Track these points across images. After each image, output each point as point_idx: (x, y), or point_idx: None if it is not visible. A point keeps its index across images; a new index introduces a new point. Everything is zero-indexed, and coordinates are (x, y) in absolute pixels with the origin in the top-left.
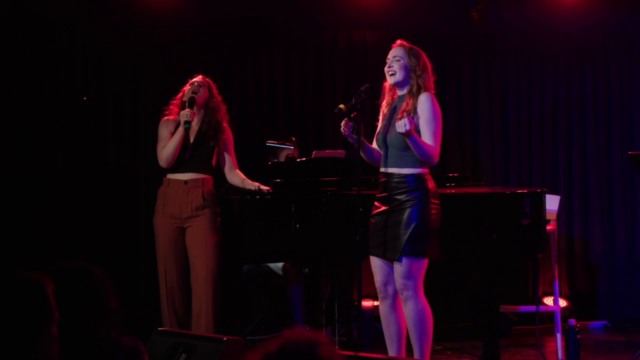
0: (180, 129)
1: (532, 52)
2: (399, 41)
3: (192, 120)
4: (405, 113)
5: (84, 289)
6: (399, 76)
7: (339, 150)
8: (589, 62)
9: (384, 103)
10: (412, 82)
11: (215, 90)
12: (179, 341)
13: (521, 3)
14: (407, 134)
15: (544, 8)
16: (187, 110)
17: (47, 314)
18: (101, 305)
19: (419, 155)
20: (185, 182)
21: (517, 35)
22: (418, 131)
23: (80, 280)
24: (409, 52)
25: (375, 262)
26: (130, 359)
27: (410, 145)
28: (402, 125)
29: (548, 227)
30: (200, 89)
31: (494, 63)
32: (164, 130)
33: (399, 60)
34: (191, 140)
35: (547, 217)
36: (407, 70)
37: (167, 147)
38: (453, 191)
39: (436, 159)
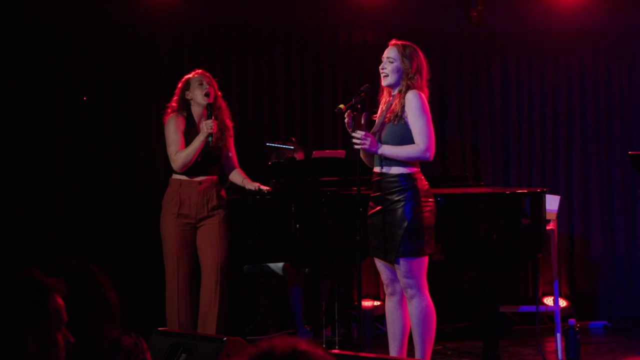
0: (201, 138)
1: (532, 52)
2: (393, 41)
3: (215, 130)
4: (359, 132)
5: (82, 286)
6: (390, 79)
7: (339, 150)
8: (589, 62)
9: (382, 101)
10: (403, 83)
11: (215, 85)
12: (179, 341)
13: (521, 3)
14: (369, 150)
15: (543, 8)
16: (210, 121)
17: (33, 316)
18: (101, 300)
19: (403, 160)
20: (200, 182)
21: (517, 35)
22: (408, 131)
23: (79, 278)
24: (402, 54)
25: (379, 262)
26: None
27: (389, 157)
28: (363, 145)
29: (548, 227)
30: (209, 88)
31: (494, 63)
32: (173, 133)
33: (392, 62)
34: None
35: (547, 217)
36: (400, 72)
37: (186, 155)
38: (453, 191)
39: (427, 153)
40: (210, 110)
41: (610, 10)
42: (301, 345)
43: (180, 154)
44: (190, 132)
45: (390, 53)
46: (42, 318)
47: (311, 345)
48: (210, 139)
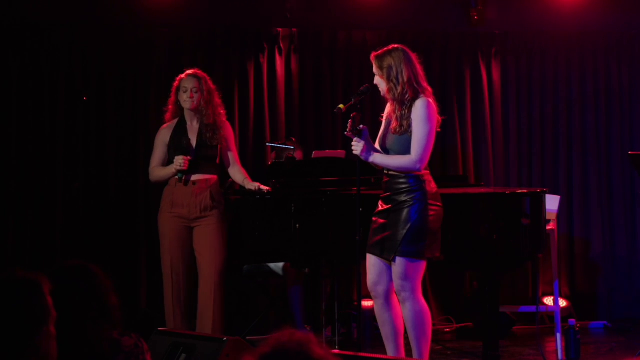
0: (171, 170)
1: (532, 52)
2: (372, 54)
3: (186, 168)
4: (354, 136)
5: (82, 287)
6: (382, 91)
7: (339, 150)
8: (589, 62)
9: (389, 104)
10: (393, 91)
11: (209, 84)
12: (179, 341)
13: (521, 3)
14: (360, 156)
15: (543, 8)
16: (181, 158)
17: (45, 313)
18: (100, 302)
19: (394, 170)
20: (193, 182)
21: (517, 35)
22: (408, 139)
23: (79, 279)
24: (379, 65)
25: (371, 261)
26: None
27: (379, 166)
28: (354, 150)
29: (548, 227)
30: (194, 97)
31: (495, 63)
32: (157, 141)
33: (376, 75)
34: (193, 144)
35: (547, 217)
36: (384, 82)
37: (156, 177)
38: (453, 191)
39: (419, 165)
40: (186, 147)
41: (610, 10)
42: (312, 352)
43: (154, 171)
44: (178, 136)
45: (374, 67)
46: (48, 317)
47: (322, 347)
48: (179, 175)
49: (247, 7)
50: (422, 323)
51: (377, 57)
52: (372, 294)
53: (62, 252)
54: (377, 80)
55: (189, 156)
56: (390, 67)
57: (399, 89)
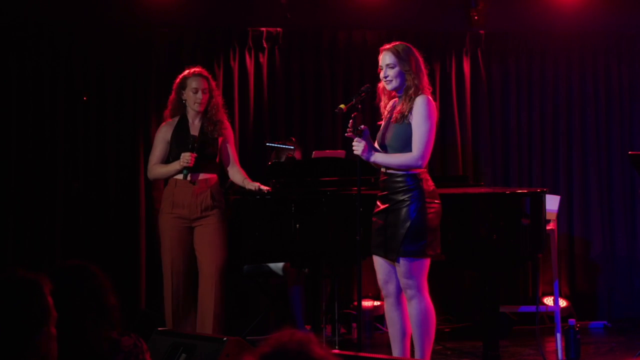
0: (176, 167)
1: (532, 52)
2: (385, 46)
3: (192, 165)
4: (355, 136)
5: (82, 288)
6: (395, 83)
7: (339, 150)
8: (589, 62)
9: (383, 104)
10: (408, 84)
11: (213, 85)
12: (179, 341)
13: (521, 3)
14: (360, 156)
15: (543, 8)
16: (187, 154)
17: (45, 314)
18: (99, 303)
19: (395, 168)
20: (194, 182)
21: (517, 35)
22: (409, 135)
23: (78, 279)
24: (399, 57)
25: (377, 261)
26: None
27: (380, 165)
28: (354, 150)
29: (548, 227)
30: (205, 98)
31: (494, 63)
32: (157, 138)
33: (392, 68)
34: (196, 141)
35: (547, 217)
36: (402, 75)
37: (158, 174)
38: (453, 191)
39: (420, 161)
40: (192, 143)
41: (610, 10)
42: (313, 352)
43: (154, 168)
44: (180, 133)
45: (388, 59)
46: (49, 317)
47: (322, 347)
48: (185, 172)
49: (246, 7)
50: (426, 321)
51: (394, 47)
52: (383, 292)
53: (62, 252)
54: (389, 72)
55: (195, 153)
56: (409, 57)
57: (419, 78)
